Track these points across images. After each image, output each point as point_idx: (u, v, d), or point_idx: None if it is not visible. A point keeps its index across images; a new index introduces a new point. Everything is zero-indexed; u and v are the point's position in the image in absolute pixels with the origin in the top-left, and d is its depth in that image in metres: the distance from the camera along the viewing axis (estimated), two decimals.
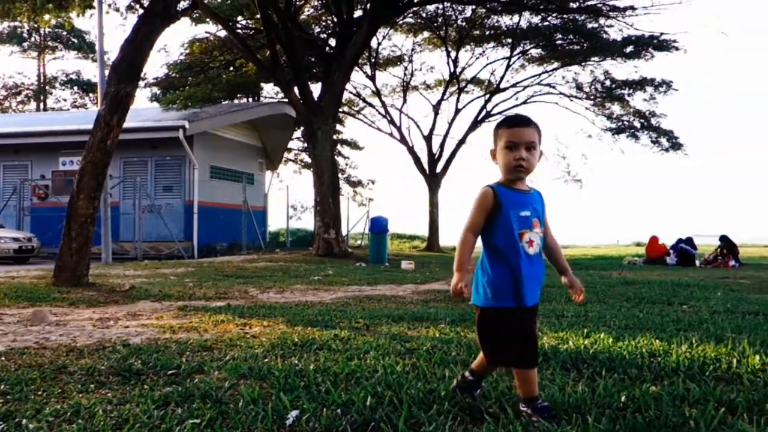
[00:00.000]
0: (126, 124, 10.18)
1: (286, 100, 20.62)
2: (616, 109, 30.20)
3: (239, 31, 21.80)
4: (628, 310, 6.63)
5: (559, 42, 27.61)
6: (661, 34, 25.20)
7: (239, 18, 23.02)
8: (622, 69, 39.46)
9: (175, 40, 79.13)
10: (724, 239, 18.95)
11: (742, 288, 9.90)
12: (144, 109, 23.95)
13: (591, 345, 4.19)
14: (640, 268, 16.70)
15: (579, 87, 29.86)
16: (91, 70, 44.80)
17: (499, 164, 2.74)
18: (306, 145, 27.05)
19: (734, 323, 5.50)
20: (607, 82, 29.15)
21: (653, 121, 29.26)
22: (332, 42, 22.62)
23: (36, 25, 41.00)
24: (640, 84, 28.37)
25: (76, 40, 42.53)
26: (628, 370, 3.49)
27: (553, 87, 30.15)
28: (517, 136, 2.68)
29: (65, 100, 44.77)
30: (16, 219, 21.15)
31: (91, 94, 41.53)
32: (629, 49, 26.26)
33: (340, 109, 28.50)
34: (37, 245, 18.45)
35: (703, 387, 3.11)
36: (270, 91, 29.91)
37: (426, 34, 29.26)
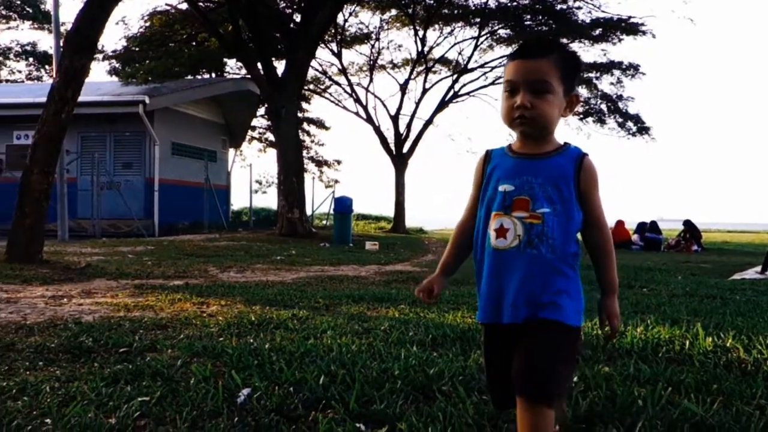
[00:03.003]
0: (84, 98, 9.93)
1: (250, 76, 20.32)
2: (583, 92, 30.42)
3: (201, 4, 21.34)
4: (587, 293, 6.62)
5: (528, 23, 27.64)
6: (629, 17, 25.41)
7: None
8: (590, 52, 39.79)
9: (134, 13, 77.36)
10: (687, 224, 19.31)
11: (703, 272, 10.10)
12: (103, 83, 23.35)
13: None
14: None
15: None
16: (47, 42, 43.47)
17: None
18: (270, 122, 26.76)
19: (691, 306, 5.61)
20: None
21: (620, 104, 29.54)
22: (297, 17, 22.31)
23: None
24: (608, 67, 28.55)
25: (30, 10, 41.19)
26: (582, 351, 3.52)
27: None
28: (517, 73, 1.88)
29: (20, 71, 43.37)
30: None
31: (47, 66, 40.29)
32: (597, 31, 26.42)
33: (306, 87, 28.24)
34: None
35: (654, 368, 3.16)
36: (233, 66, 29.46)
37: (394, 11, 29.03)
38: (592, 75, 29.04)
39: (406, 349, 3.50)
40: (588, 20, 25.93)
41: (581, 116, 30.11)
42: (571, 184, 1.87)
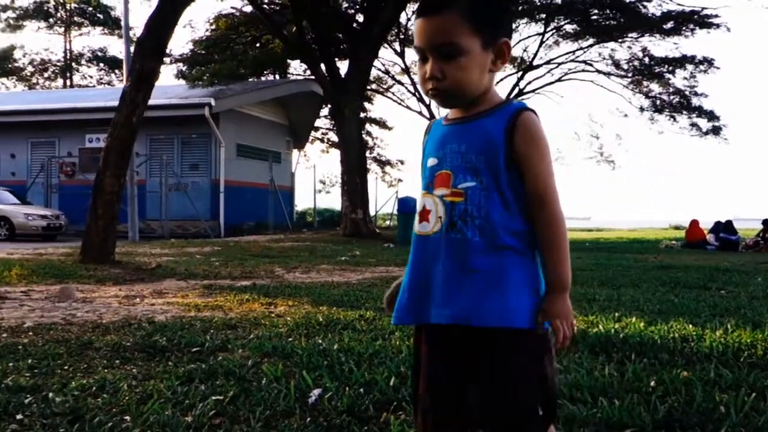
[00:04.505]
0: (152, 101, 10.20)
1: (313, 77, 20.50)
2: (654, 87, 29.51)
3: (265, 6, 21.67)
4: (662, 294, 6.49)
5: (595, 17, 27.00)
6: (702, 9, 24.53)
7: None
8: (661, 46, 38.47)
9: (200, 16, 79.27)
10: (766, 223, 18.50)
11: None
12: (170, 86, 23.98)
13: (621, 329, 4.10)
14: (678, 252, 16.40)
15: (616, 64, 29.19)
16: (116, 47, 45.07)
17: None
18: (333, 123, 26.96)
19: None
20: (646, 60, 28.45)
21: (694, 100, 28.54)
22: (360, 18, 22.41)
23: (62, 1, 41.34)
24: (680, 62, 27.58)
25: (101, 16, 42.74)
26: (658, 355, 3.41)
27: (590, 64, 29.47)
28: (422, 37, 1.55)
29: (91, 76, 45.16)
30: (44, 196, 21.38)
31: (116, 71, 41.76)
32: (669, 24, 25.61)
33: (368, 87, 28.33)
34: (65, 223, 18.67)
35: (736, 372, 3.03)
36: (297, 68, 29.78)
37: None
38: (663, 69, 28.17)
39: None
40: (658, 13, 25.16)
41: (652, 111, 29.26)
42: (501, 149, 1.51)
